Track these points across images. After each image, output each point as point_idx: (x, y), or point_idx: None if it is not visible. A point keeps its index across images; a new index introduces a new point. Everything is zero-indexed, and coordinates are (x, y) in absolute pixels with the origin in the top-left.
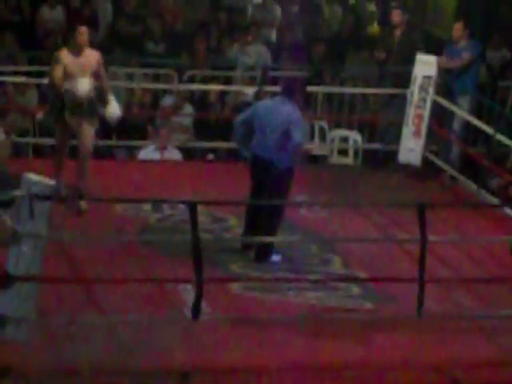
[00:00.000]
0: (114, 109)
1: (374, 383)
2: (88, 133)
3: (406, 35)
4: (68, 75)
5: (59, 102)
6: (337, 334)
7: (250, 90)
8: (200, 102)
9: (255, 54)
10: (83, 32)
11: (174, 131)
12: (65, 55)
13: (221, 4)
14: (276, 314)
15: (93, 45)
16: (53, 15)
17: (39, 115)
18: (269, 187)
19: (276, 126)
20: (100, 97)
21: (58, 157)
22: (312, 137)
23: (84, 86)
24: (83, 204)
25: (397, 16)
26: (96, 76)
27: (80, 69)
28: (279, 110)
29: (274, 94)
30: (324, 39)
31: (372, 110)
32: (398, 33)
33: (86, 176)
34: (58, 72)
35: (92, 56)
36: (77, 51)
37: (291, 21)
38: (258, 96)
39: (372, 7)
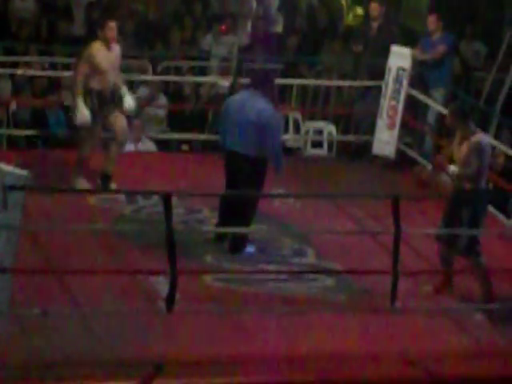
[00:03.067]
0: (129, 100)
1: (346, 375)
2: (123, 120)
3: (383, 28)
4: (100, 70)
5: (93, 99)
6: (310, 325)
7: (224, 82)
8: (174, 93)
9: (229, 44)
10: (112, 27)
11: (149, 122)
12: (96, 50)
13: None
14: (250, 305)
15: (69, 37)
16: (25, 6)
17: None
18: (243, 180)
19: (248, 122)
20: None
21: (87, 151)
22: (286, 129)
23: (113, 79)
24: (113, 184)
25: (374, 9)
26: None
27: (111, 63)
28: (251, 104)
29: (248, 86)
30: (299, 31)
31: (347, 101)
32: (374, 25)
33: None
34: (84, 69)
35: (117, 50)
36: (107, 46)
37: (266, 12)
38: (233, 87)
39: None
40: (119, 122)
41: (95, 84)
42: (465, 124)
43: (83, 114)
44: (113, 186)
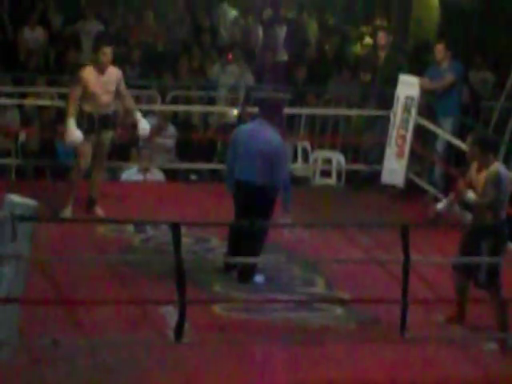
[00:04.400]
0: (144, 124)
1: None
2: (107, 147)
3: (390, 57)
4: (91, 93)
5: (85, 121)
6: (319, 355)
7: (233, 112)
8: (183, 122)
9: (237, 74)
10: (106, 52)
11: (157, 152)
12: (87, 74)
13: (203, 24)
14: (259, 334)
15: (77, 67)
16: (33, 36)
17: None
18: (252, 209)
19: (257, 152)
20: (127, 115)
21: (79, 176)
22: (295, 158)
23: (106, 102)
24: (98, 210)
25: (382, 38)
26: (118, 93)
27: (103, 87)
28: (259, 134)
29: (256, 115)
30: (307, 61)
31: (355, 130)
32: (382, 54)
33: (99, 184)
34: (77, 92)
35: (113, 74)
36: (100, 70)
37: (274, 41)
38: (241, 117)
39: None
40: (101, 145)
41: (87, 107)
42: (485, 154)
43: (72, 133)
44: (98, 210)
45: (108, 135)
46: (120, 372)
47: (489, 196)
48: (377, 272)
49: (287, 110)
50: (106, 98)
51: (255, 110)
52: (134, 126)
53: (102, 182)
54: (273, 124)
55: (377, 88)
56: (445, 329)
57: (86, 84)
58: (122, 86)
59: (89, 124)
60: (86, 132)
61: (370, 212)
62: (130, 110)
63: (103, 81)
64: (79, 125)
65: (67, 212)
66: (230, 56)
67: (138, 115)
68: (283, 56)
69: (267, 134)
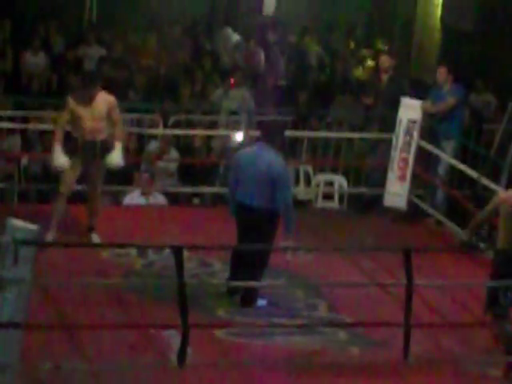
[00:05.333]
0: (114, 158)
1: None
2: (97, 175)
3: (393, 80)
4: (76, 119)
5: (71, 146)
6: (323, 379)
7: (237, 136)
8: (185, 146)
9: (239, 98)
10: (90, 89)
11: (159, 176)
12: (73, 100)
13: (204, 48)
14: (262, 359)
15: (78, 89)
16: (36, 60)
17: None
18: (254, 232)
19: (259, 175)
20: (107, 142)
21: (61, 201)
22: (297, 181)
23: (93, 129)
24: (94, 236)
25: (385, 61)
26: (109, 120)
27: (90, 113)
28: (261, 158)
29: (258, 139)
30: (310, 84)
31: (357, 154)
32: (384, 77)
33: (96, 214)
34: (64, 117)
35: (103, 101)
36: (85, 100)
37: (276, 65)
38: (244, 140)
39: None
40: (93, 177)
41: (74, 132)
42: None
43: (57, 158)
44: (94, 237)
45: (96, 163)
46: None
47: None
48: (380, 296)
49: (289, 134)
50: (92, 125)
51: (257, 133)
52: (139, 150)
53: (102, 207)
54: (274, 147)
55: (379, 111)
56: (449, 353)
57: (72, 109)
58: (115, 114)
59: (74, 150)
60: (71, 158)
61: (373, 235)
62: (115, 137)
63: (91, 107)
64: (66, 150)
65: (50, 236)
66: (233, 81)
67: (117, 145)
68: (285, 80)
69: (269, 157)
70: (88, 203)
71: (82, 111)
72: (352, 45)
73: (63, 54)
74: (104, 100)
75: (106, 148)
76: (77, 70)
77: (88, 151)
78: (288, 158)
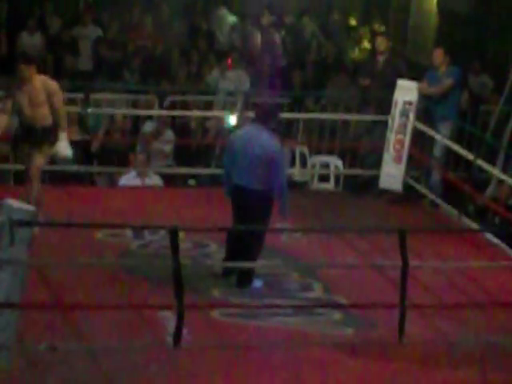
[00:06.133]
0: (61, 149)
1: None
2: (36, 160)
3: (389, 62)
4: (18, 106)
5: (16, 133)
6: (318, 360)
7: (232, 117)
8: (181, 127)
9: (235, 79)
10: (22, 69)
11: (155, 157)
12: (14, 87)
13: (200, 29)
14: (257, 340)
15: (75, 72)
16: (32, 41)
17: None
18: (250, 214)
19: (253, 157)
20: (48, 130)
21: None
22: (293, 163)
23: (31, 115)
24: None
25: (381, 43)
26: (51, 105)
27: (27, 100)
28: (256, 138)
29: (253, 120)
30: (305, 65)
31: (353, 135)
32: (380, 59)
33: (35, 201)
34: (8, 104)
35: (42, 86)
36: (21, 84)
37: (272, 47)
38: (239, 122)
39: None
40: (32, 162)
41: (20, 118)
42: None
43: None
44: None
45: (35, 149)
46: (118, 377)
47: None
48: (375, 277)
49: (285, 115)
50: (30, 111)
51: (253, 114)
52: (134, 131)
53: (39, 197)
54: (269, 128)
55: (375, 93)
56: (443, 334)
57: (13, 96)
58: (57, 101)
59: (15, 137)
60: (19, 144)
61: (368, 217)
62: (57, 125)
63: (27, 93)
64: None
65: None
66: (230, 61)
67: (61, 135)
68: (282, 61)
69: (264, 138)
70: (27, 190)
71: (20, 97)
72: (352, 22)
73: (59, 34)
74: (43, 85)
75: (47, 135)
76: (73, 51)
77: (27, 138)
78: (284, 140)
